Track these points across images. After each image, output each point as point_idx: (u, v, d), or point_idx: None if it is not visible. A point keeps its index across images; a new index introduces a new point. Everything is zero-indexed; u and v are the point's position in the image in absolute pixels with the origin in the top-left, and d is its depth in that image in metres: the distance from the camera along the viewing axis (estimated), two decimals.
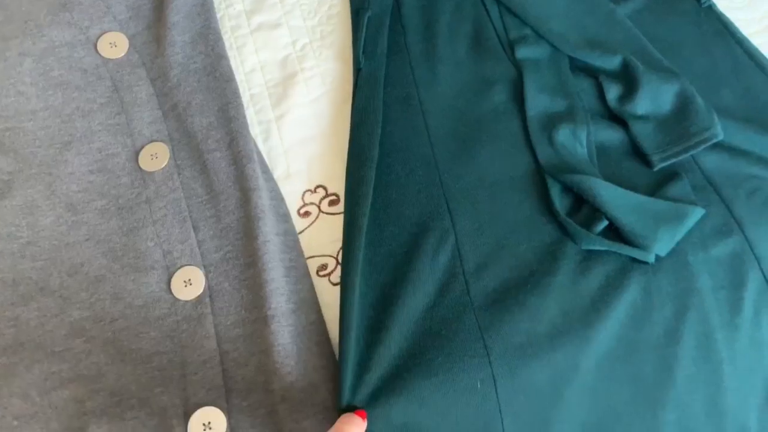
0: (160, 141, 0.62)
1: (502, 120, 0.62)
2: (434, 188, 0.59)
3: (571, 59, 0.65)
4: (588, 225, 0.54)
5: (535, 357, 0.49)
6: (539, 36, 0.67)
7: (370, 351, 0.50)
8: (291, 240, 0.58)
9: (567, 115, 0.61)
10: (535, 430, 0.48)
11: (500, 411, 0.47)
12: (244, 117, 0.63)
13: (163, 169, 0.61)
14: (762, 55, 0.65)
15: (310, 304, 0.55)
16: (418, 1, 0.72)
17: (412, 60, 0.67)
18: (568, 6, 0.68)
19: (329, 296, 0.56)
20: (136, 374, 0.51)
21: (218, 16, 0.73)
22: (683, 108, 0.59)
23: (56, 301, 0.54)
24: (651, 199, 0.54)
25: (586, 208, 0.55)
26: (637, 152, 0.59)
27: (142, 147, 0.62)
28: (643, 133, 0.59)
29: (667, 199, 0.54)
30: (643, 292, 0.51)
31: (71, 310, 0.54)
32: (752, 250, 0.53)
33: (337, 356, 0.53)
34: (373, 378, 0.49)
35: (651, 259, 0.52)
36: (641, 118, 0.60)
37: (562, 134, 0.59)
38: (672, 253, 0.52)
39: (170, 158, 0.61)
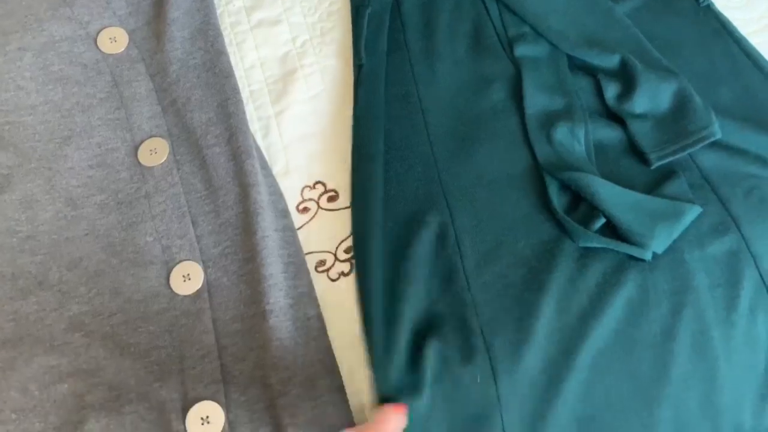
0: (160, 136, 0.62)
1: (500, 118, 0.62)
2: (433, 185, 0.59)
3: (570, 57, 0.65)
4: (585, 222, 0.54)
5: (533, 352, 0.49)
6: (538, 34, 0.67)
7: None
8: (290, 236, 0.59)
9: (565, 113, 0.61)
10: (533, 424, 0.48)
11: (500, 405, 0.48)
12: (244, 113, 0.63)
13: (162, 164, 0.61)
14: (760, 54, 0.65)
15: (308, 299, 0.55)
16: None
17: (412, 57, 0.68)
18: (567, 4, 0.68)
19: (327, 292, 0.57)
20: (134, 368, 0.51)
21: (218, 12, 0.72)
22: (681, 106, 0.59)
23: (55, 296, 0.54)
24: (648, 197, 0.54)
25: (583, 206, 0.55)
26: (635, 150, 0.59)
27: (142, 142, 0.62)
28: (641, 132, 0.59)
29: (664, 197, 0.54)
30: (640, 290, 0.51)
31: (70, 304, 0.54)
32: (748, 248, 0.53)
33: (335, 352, 0.53)
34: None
35: (648, 256, 0.52)
36: (639, 116, 0.60)
37: (561, 132, 0.60)
38: (669, 250, 0.53)
39: (169, 153, 0.61)
